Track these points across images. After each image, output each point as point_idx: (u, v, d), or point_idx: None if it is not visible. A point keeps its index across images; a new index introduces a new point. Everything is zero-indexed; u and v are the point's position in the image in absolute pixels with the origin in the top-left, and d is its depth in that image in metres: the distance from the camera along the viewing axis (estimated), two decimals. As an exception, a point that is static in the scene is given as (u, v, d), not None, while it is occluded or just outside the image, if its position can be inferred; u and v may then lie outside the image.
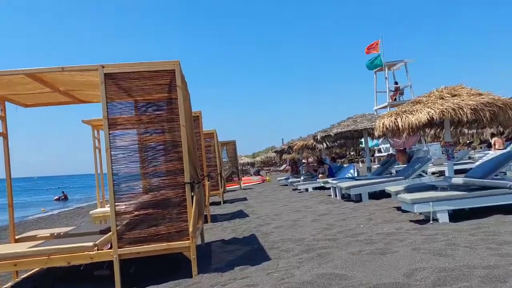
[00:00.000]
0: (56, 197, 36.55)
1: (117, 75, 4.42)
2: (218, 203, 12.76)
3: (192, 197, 4.42)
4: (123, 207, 4.27)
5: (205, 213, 8.01)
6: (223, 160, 19.51)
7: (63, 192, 38.83)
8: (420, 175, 9.55)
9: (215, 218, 9.22)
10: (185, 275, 4.33)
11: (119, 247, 4.20)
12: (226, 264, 4.70)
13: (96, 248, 4.24)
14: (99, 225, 6.52)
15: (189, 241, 4.28)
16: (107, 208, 8.06)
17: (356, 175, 13.00)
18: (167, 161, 4.41)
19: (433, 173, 13.28)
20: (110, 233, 4.34)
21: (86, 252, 4.20)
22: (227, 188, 18.75)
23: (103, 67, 4.38)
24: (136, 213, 4.25)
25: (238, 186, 20.07)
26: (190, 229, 4.27)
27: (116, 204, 4.25)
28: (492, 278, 3.15)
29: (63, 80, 4.96)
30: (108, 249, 4.34)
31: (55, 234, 5.48)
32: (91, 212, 8.60)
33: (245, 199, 13.76)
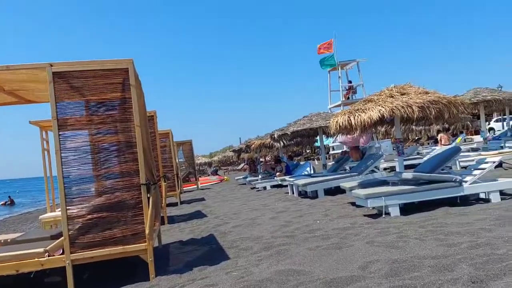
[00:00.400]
0: (1, 202, 34.56)
1: (67, 74, 4.24)
2: (175, 204, 12.58)
3: (148, 198, 4.33)
4: (75, 210, 4.11)
5: (161, 215, 7.87)
6: (180, 160, 19.26)
7: (9, 196, 36.72)
8: (372, 171, 9.89)
9: (172, 220, 9.09)
10: (142, 278, 4.24)
11: (71, 253, 4.04)
12: (185, 265, 4.65)
13: (47, 254, 4.05)
14: (49, 230, 6.23)
15: (145, 244, 4.19)
16: (57, 213, 7.72)
17: (312, 172, 13.26)
18: (121, 162, 4.29)
19: (385, 169, 13.77)
20: (62, 238, 4.17)
21: (36, 259, 4.01)
22: (184, 188, 18.53)
23: (51, 66, 4.19)
24: (89, 216, 4.10)
25: (196, 186, 19.88)
26: (147, 231, 4.18)
27: (67, 207, 4.09)
28: (440, 268, 3.32)
29: (8, 79, 4.70)
30: (60, 254, 4.17)
31: (2, 241, 5.18)
32: (40, 217, 8.20)
33: (202, 199, 13.66)
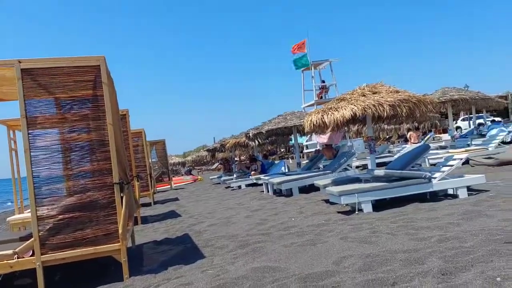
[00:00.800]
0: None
1: (36, 71, 4.12)
2: (148, 204, 12.42)
3: (121, 198, 4.26)
4: (46, 211, 4.00)
5: (135, 215, 7.76)
6: (153, 160, 19.01)
7: (-27, 200, 35.40)
8: (346, 169, 10.05)
9: (145, 220, 8.97)
10: (116, 279, 4.17)
11: (42, 254, 3.93)
12: (159, 265, 4.60)
13: (16, 256, 3.93)
14: (18, 232, 6.04)
15: (119, 244, 4.12)
16: (26, 214, 7.50)
17: (286, 170, 13.35)
18: (93, 161, 4.21)
19: (357, 167, 14.02)
20: (32, 239, 4.05)
21: (5, 261, 3.88)
22: (157, 188, 18.30)
23: (19, 62, 4.07)
24: (61, 217, 4.00)
25: (169, 186, 19.68)
26: (120, 231, 4.11)
27: (37, 208, 3.97)
28: (411, 261, 3.41)
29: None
30: (30, 256, 4.05)
31: (-33, 245, 4.99)
32: (8, 219, 7.94)
33: (176, 199, 13.53)
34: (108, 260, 4.70)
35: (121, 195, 4.26)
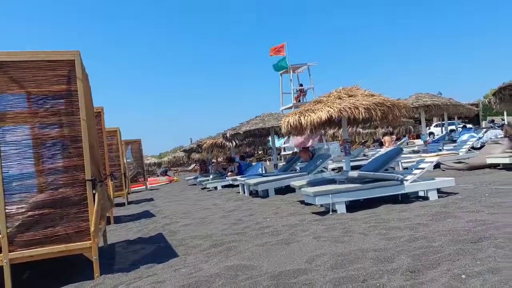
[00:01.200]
0: None
1: (7, 64, 4.02)
2: (122, 205, 12.24)
3: (94, 195, 4.19)
4: (15, 207, 3.90)
5: (108, 214, 7.64)
6: (128, 160, 18.74)
7: None
8: (322, 171, 10.16)
9: (119, 220, 8.84)
10: (86, 277, 4.10)
11: (10, 251, 3.83)
12: (131, 263, 4.55)
13: (-19, 254, 3.81)
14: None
15: (90, 242, 4.05)
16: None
17: (263, 172, 13.39)
18: (65, 157, 4.13)
19: (333, 169, 14.19)
20: (-1, 236, 3.94)
21: (-31, 259, 3.76)
22: (132, 189, 18.05)
23: (-10, 54, 3.96)
24: (30, 213, 3.91)
25: (144, 187, 19.44)
26: (92, 229, 4.04)
27: (6, 204, 3.87)
28: (381, 259, 3.49)
29: None
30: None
31: None
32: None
33: (151, 199, 13.39)
34: (79, 259, 4.62)
35: (94, 192, 4.19)
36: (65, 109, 4.20)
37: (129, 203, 12.66)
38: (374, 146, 25.73)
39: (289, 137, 21.57)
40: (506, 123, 22.11)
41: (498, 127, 20.76)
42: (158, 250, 5.14)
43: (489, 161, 9.77)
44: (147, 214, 9.25)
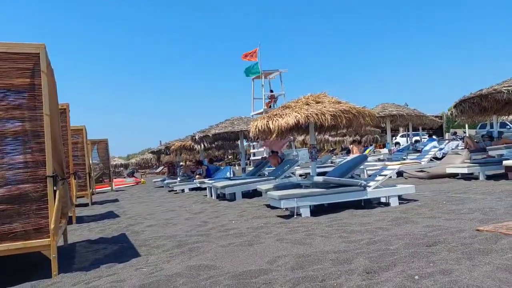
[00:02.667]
0: None
1: (-33, 54, 3.90)
2: (85, 205, 11.96)
3: (55, 192, 4.10)
4: (-31, 202, 3.76)
5: (70, 214, 7.46)
6: (94, 160, 18.32)
7: None
8: (289, 176, 10.27)
9: (81, 219, 8.63)
10: (44, 276, 3.99)
11: (-38, 248, 3.69)
12: (91, 263, 4.46)
13: None
14: None
15: (49, 239, 3.95)
16: None
17: (231, 176, 13.40)
18: (26, 152, 4.02)
19: (301, 175, 14.36)
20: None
21: None
22: (97, 189, 17.65)
23: (-52, 43, 3.82)
24: (-14, 209, 3.78)
25: (109, 187, 19.05)
26: (52, 226, 3.95)
27: (-40, 199, 3.73)
28: (341, 261, 3.58)
29: None
30: None
31: None
32: None
33: (116, 200, 13.14)
34: (37, 257, 4.50)
35: (55, 189, 4.10)
36: (28, 103, 4.10)
37: (93, 203, 12.38)
38: (342, 154, 26.23)
39: (258, 142, 21.68)
40: (467, 135, 23.03)
41: (460, 139, 21.59)
42: (120, 250, 5.06)
43: (449, 170, 10.16)
44: (111, 215, 9.07)
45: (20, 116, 4.07)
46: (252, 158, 28.53)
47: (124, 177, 26.43)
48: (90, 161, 15.01)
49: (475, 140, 14.15)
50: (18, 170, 3.97)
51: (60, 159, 4.88)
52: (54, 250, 3.96)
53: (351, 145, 18.74)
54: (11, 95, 4.05)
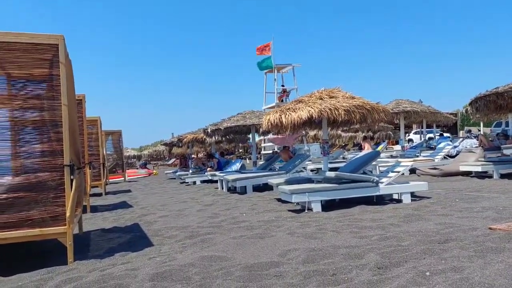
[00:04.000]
0: None
1: (-11, 44, 3.98)
2: (99, 195, 12.13)
3: (72, 181, 4.18)
4: (-11, 189, 3.86)
5: (84, 203, 7.58)
6: (108, 151, 18.53)
7: None
8: (300, 171, 10.29)
9: (95, 209, 8.77)
10: (60, 262, 4.08)
11: (-19, 233, 3.79)
12: (106, 251, 4.55)
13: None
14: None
15: (65, 227, 4.04)
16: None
17: (242, 169, 13.46)
18: (44, 141, 4.10)
19: (312, 170, 14.36)
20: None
21: None
22: (110, 180, 17.87)
23: (-30, 33, 3.90)
24: (5, 196, 3.88)
25: (123, 178, 19.27)
26: (68, 214, 4.03)
27: (-20, 186, 3.83)
28: (352, 255, 3.60)
29: None
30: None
31: None
32: None
33: (129, 191, 13.31)
34: (53, 244, 4.61)
35: (72, 178, 4.18)
36: (46, 94, 4.17)
37: (107, 193, 12.56)
38: (354, 149, 26.09)
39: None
40: (481, 133, 22.73)
41: (474, 137, 21.31)
42: (134, 239, 5.15)
43: (463, 168, 10.07)
44: (124, 205, 9.20)
45: (39, 106, 4.15)
46: (262, 152, 28.58)
47: (137, 168, 26.71)
48: (105, 152, 15.18)
49: (490, 139, 13.97)
50: (36, 159, 4.06)
51: (77, 149, 4.97)
52: (70, 238, 4.05)
53: (363, 141, 18.63)
54: (30, 85, 4.13)
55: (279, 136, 12.47)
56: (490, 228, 4.23)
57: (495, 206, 5.49)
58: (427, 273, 2.99)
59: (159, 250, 4.39)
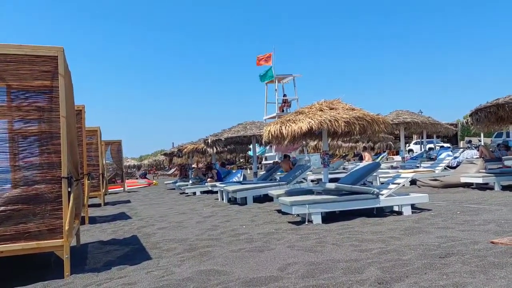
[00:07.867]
0: None
1: (-11, 56, 3.98)
2: (98, 205, 12.07)
3: (69, 193, 4.15)
4: (-14, 202, 3.83)
5: (82, 214, 7.54)
6: (107, 161, 18.51)
7: None
8: (301, 182, 10.24)
9: (93, 220, 8.72)
10: (56, 276, 4.04)
11: (-22, 246, 3.75)
12: (103, 264, 4.50)
13: None
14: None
15: (62, 240, 4.00)
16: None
17: (242, 179, 13.42)
18: (42, 153, 4.09)
19: (312, 181, 14.29)
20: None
21: None
22: (109, 190, 17.81)
23: (-30, 45, 3.91)
24: (2, 208, 3.85)
25: (122, 188, 19.20)
26: (66, 227, 4.00)
27: (-23, 198, 3.80)
28: (352, 270, 3.55)
29: None
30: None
31: None
32: None
33: (128, 201, 13.24)
34: (49, 258, 4.55)
35: (69, 190, 4.15)
36: (45, 105, 4.17)
37: (106, 204, 12.50)
38: (354, 160, 26.05)
39: (270, 146, 21.68)
40: (482, 144, 22.70)
41: (475, 147, 21.29)
42: (132, 252, 5.10)
43: (463, 180, 10.02)
44: (122, 216, 9.15)
45: (38, 117, 4.14)
46: (263, 162, 28.55)
47: (137, 178, 26.63)
48: (104, 162, 15.16)
49: (491, 149, 13.94)
50: (34, 171, 4.04)
51: (75, 160, 4.95)
52: (67, 251, 4.01)
53: (363, 152, 18.62)
54: (30, 96, 4.13)
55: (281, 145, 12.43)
56: (492, 242, 4.18)
57: (497, 219, 5.44)
58: (429, 289, 2.94)
59: (157, 263, 4.34)
